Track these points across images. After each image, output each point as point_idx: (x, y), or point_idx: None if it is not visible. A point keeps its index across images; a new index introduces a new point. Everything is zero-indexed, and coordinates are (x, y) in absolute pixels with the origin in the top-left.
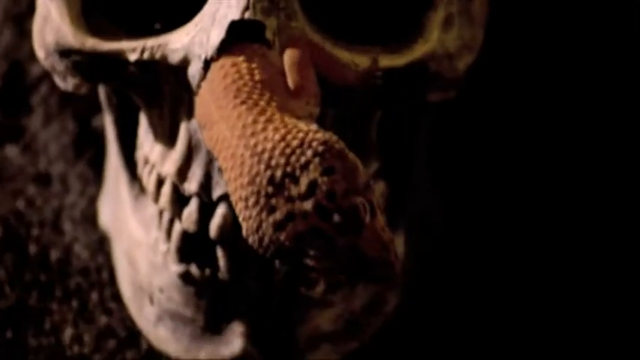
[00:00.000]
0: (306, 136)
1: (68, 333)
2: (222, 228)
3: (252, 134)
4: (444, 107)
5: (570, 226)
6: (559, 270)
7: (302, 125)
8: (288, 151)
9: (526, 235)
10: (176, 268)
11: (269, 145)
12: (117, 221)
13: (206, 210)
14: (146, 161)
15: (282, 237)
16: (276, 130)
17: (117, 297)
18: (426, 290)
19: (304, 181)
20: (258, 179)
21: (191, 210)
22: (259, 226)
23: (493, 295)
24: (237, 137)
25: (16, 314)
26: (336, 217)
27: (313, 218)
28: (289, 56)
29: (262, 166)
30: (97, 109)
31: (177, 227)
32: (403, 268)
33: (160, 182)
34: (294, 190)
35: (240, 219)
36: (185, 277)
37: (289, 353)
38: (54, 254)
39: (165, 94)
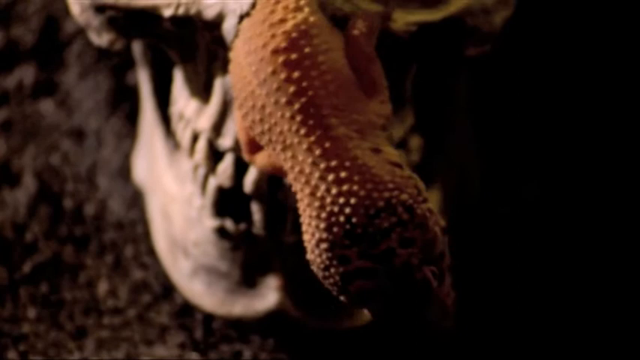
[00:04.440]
0: (392, 196)
1: (103, 287)
2: (258, 183)
3: (334, 182)
4: (486, 63)
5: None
6: (593, 236)
7: (386, 175)
8: (372, 212)
9: (562, 190)
10: (211, 222)
11: (352, 201)
12: (151, 176)
13: (241, 165)
14: (181, 117)
15: (348, 287)
16: (361, 184)
17: (151, 252)
18: (461, 247)
19: (382, 246)
20: (335, 229)
21: (226, 165)
22: (327, 271)
23: (525, 255)
24: (313, 168)
25: (51, 268)
26: (407, 286)
27: (381, 282)
28: (354, 35)
29: (342, 218)
30: (132, 65)
31: (212, 182)
32: None
33: (195, 137)
34: (370, 248)
35: (308, 252)
36: (220, 232)
37: (325, 307)
38: (88, 209)
39: (200, 49)
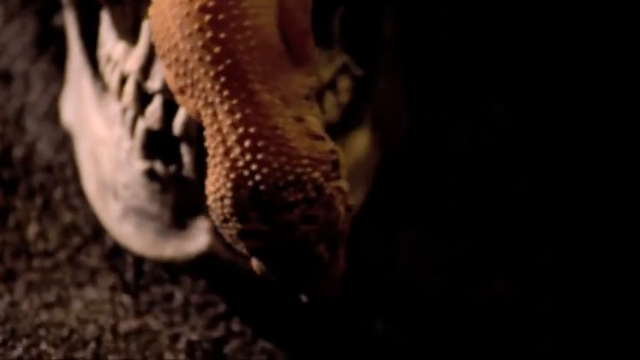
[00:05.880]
0: (304, 172)
1: (33, 230)
2: (186, 125)
3: (249, 149)
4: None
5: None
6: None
7: (303, 150)
8: (281, 184)
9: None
10: (140, 165)
11: (264, 170)
12: (80, 119)
13: (170, 107)
14: (109, 59)
15: (241, 244)
16: (276, 155)
17: (81, 194)
18: (389, 189)
19: (284, 217)
20: (242, 191)
21: (155, 107)
22: (225, 223)
23: (455, 194)
24: (231, 130)
25: None
26: (299, 257)
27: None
28: (290, 7)
29: (250, 183)
30: (58, 8)
31: (141, 125)
32: (368, 165)
33: (123, 80)
34: (270, 215)
35: (209, 200)
36: (149, 174)
37: None
38: (17, 152)
39: None
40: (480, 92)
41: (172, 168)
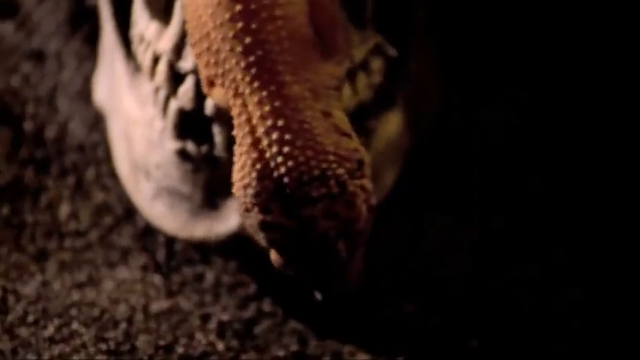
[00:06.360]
0: (328, 167)
1: (64, 209)
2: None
3: (277, 141)
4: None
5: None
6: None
7: (330, 145)
8: (305, 179)
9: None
10: (172, 144)
11: (290, 163)
12: (112, 98)
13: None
14: (141, 39)
15: (262, 235)
16: (302, 149)
17: (113, 174)
18: (422, 169)
19: (306, 212)
20: (267, 182)
21: (187, 87)
22: (248, 212)
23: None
24: (260, 122)
25: (12, 191)
26: (317, 253)
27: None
28: None
29: (275, 174)
30: None
31: (174, 105)
32: (400, 147)
33: (156, 60)
34: (293, 209)
35: (235, 187)
36: (182, 154)
37: None
38: (49, 131)
39: None
40: (509, 79)
41: (204, 148)
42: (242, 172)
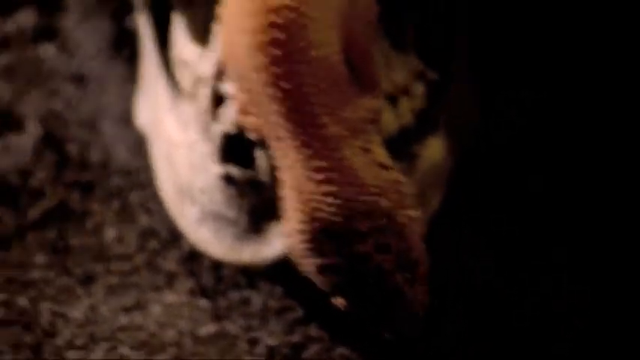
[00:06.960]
0: (373, 201)
1: (110, 233)
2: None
3: (319, 182)
4: (486, 9)
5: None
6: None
7: (371, 179)
8: (352, 215)
9: (569, 137)
10: (217, 169)
11: (334, 202)
12: (154, 121)
13: None
14: (182, 61)
15: (321, 277)
16: (345, 187)
17: (157, 198)
18: (465, 192)
19: (358, 248)
20: (315, 224)
21: (230, 111)
22: (304, 258)
23: (529, 198)
24: (301, 165)
25: (58, 215)
26: (377, 288)
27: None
28: (354, 29)
29: (322, 215)
30: (131, 8)
31: (217, 128)
32: (444, 171)
33: (197, 83)
34: (346, 248)
35: (288, 234)
36: (226, 179)
37: None
38: (93, 155)
39: None
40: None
41: (248, 172)
42: (290, 217)
